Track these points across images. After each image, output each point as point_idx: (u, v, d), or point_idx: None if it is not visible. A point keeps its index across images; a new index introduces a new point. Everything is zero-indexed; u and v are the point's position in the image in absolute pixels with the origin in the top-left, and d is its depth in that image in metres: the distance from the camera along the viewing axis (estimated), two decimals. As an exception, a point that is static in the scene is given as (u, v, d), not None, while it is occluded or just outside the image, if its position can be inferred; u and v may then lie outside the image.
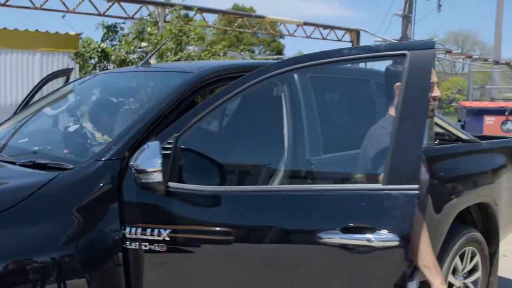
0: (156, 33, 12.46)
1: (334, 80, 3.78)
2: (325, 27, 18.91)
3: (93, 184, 2.67)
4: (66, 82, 5.12)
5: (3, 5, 12.71)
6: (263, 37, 45.25)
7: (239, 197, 2.68)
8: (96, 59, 11.92)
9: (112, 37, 12.76)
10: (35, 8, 13.14)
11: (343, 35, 19.44)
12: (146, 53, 11.86)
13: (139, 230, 2.61)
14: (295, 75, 3.21)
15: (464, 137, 4.81)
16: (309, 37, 18.61)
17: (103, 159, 2.74)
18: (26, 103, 4.68)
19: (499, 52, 27.41)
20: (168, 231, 2.58)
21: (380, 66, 3.26)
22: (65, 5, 13.37)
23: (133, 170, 2.57)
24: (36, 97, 4.86)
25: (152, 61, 11.07)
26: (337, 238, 2.40)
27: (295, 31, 18.57)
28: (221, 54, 13.29)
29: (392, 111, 2.93)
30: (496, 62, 26.10)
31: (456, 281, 4.18)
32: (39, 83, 4.97)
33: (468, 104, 17.79)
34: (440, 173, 3.91)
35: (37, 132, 3.85)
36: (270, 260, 2.63)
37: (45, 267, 2.46)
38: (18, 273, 2.41)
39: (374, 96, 3.96)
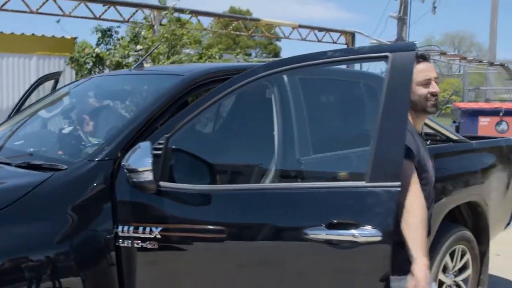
0: (150, 37, 12.51)
1: (325, 82, 3.84)
2: (320, 29, 18.99)
3: (86, 184, 2.74)
4: (56, 84, 5.19)
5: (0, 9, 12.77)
6: (259, 39, 45.27)
7: (228, 195, 2.75)
8: (91, 64, 11.98)
9: (107, 41, 12.81)
10: (31, 12, 13.18)
11: (338, 37, 19.52)
12: (141, 56, 11.91)
13: (132, 228, 2.68)
14: (285, 77, 3.27)
15: (454, 137, 4.88)
16: (304, 39, 18.69)
17: (96, 159, 2.81)
18: (18, 108, 4.76)
19: (494, 54, 27.58)
20: (159, 229, 2.65)
21: (375, 68, 3.31)
22: (61, 9, 13.44)
23: (125, 170, 2.64)
24: (28, 101, 4.93)
25: (147, 64, 11.16)
26: (322, 234, 2.47)
27: (290, 33, 18.66)
28: (217, 57, 13.34)
29: None
30: (491, 64, 26.22)
31: (447, 279, 4.25)
32: (30, 87, 5.07)
33: (463, 105, 17.88)
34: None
35: (33, 134, 3.91)
36: (259, 257, 2.69)
37: (40, 265, 2.52)
38: (14, 271, 2.47)
39: (363, 97, 4.03)
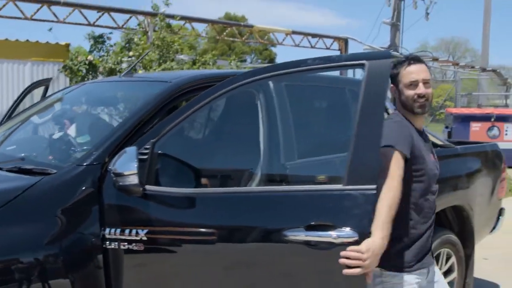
0: (142, 44, 12.58)
1: (310, 88, 3.92)
2: (313, 35, 19.09)
3: (74, 187, 2.82)
4: (46, 91, 5.26)
5: (-6, 15, 12.84)
6: (255, 45, 45.34)
7: (211, 198, 2.84)
8: (84, 71, 12.04)
9: (99, 47, 12.88)
10: (26, 18, 13.24)
11: (332, 43, 19.63)
12: (133, 63, 11.95)
13: (118, 230, 2.76)
14: (271, 83, 3.36)
15: (439, 142, 4.95)
16: (297, 45, 18.78)
17: (85, 164, 2.89)
18: (10, 114, 4.83)
19: (486, 60, 27.73)
20: (145, 231, 2.73)
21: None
22: (55, 15, 13.50)
23: (112, 174, 2.72)
24: (22, 106, 5.00)
25: (140, 71, 11.22)
26: (301, 235, 2.56)
27: (283, 39, 18.75)
28: (211, 63, 13.40)
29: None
30: (483, 70, 26.37)
31: (432, 282, 4.31)
32: (21, 93, 5.14)
33: (455, 110, 18.01)
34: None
35: (24, 139, 3.99)
36: (241, 259, 2.77)
37: (29, 266, 2.60)
38: (4, 272, 2.54)
39: (348, 103, 4.09)
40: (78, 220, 2.78)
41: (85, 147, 3.36)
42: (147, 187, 2.74)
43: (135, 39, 12.91)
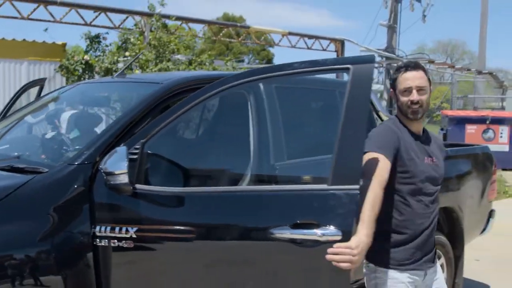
0: (138, 44, 12.62)
1: (301, 91, 3.98)
2: (310, 37, 19.14)
3: (66, 186, 2.87)
4: (40, 90, 5.31)
5: (-10, 15, 12.87)
6: (252, 46, 45.39)
7: (200, 197, 2.90)
8: (80, 71, 12.08)
9: (95, 47, 12.92)
10: (23, 18, 13.27)
11: (328, 45, 19.69)
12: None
13: (108, 228, 2.81)
14: (261, 85, 3.42)
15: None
16: (294, 46, 18.82)
17: (76, 163, 2.95)
18: (4, 113, 4.87)
19: (483, 63, 27.87)
20: (135, 229, 2.78)
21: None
22: (52, 15, 13.53)
23: (102, 173, 2.79)
24: (17, 105, 5.04)
25: (136, 71, 11.26)
26: (287, 233, 2.62)
27: (280, 40, 18.80)
28: (207, 63, 13.45)
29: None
30: (479, 72, 26.45)
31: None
32: (16, 93, 5.18)
33: (450, 113, 18.07)
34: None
35: (18, 139, 4.04)
36: (229, 256, 2.83)
37: (22, 263, 2.66)
38: None
39: (338, 105, 4.14)
40: (69, 218, 2.83)
41: (76, 146, 3.41)
42: (137, 186, 2.80)
43: (132, 39, 12.94)
